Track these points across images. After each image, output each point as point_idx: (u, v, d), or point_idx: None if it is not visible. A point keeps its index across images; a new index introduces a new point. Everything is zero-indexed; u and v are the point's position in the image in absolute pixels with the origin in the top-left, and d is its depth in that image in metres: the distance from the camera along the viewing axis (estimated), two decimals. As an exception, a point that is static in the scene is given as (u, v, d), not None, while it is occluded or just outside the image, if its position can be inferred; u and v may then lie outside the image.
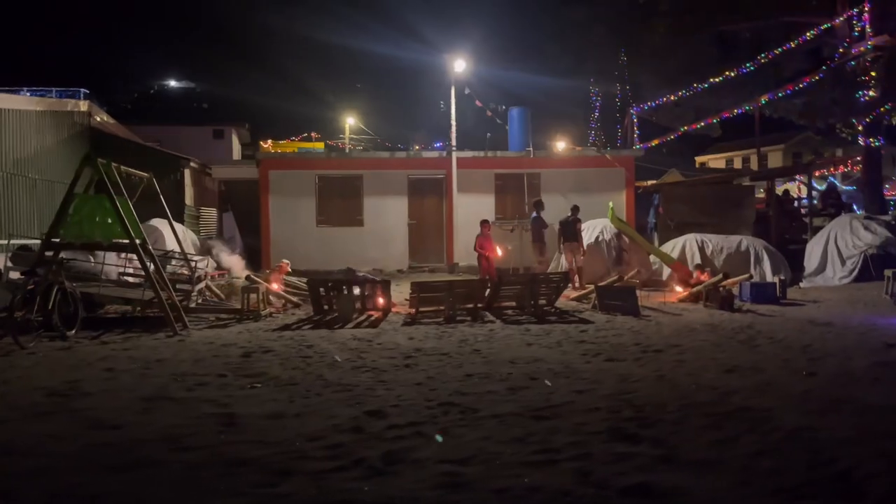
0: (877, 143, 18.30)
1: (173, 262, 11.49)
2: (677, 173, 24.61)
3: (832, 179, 22.26)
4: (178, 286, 10.05)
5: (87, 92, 51.14)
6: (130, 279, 10.86)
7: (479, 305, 11.14)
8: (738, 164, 48.19)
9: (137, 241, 8.61)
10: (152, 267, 8.98)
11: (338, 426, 4.37)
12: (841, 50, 17.69)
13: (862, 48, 17.48)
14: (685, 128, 20.43)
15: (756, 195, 23.15)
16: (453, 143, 18.66)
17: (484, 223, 14.47)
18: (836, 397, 5.14)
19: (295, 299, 11.43)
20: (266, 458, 3.76)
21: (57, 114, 14.65)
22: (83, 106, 15.90)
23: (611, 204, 16.21)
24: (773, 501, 3.21)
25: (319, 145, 19.07)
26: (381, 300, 10.60)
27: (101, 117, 16.77)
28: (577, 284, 14.00)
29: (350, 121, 44.04)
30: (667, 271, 15.23)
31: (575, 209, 14.74)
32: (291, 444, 4.01)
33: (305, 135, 21.11)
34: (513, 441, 4.11)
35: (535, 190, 19.25)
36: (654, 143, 20.50)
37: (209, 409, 4.86)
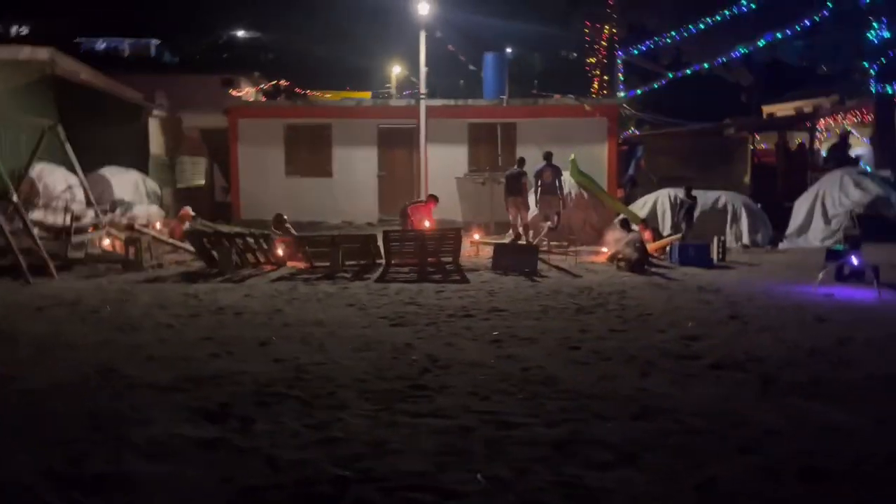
0: (889, 90, 16.43)
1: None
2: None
3: (852, 130, 20.27)
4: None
5: (157, 42, 51.97)
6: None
7: (377, 261, 10.77)
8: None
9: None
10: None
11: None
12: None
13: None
14: (672, 74, 18.94)
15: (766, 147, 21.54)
16: (422, 90, 17.93)
17: (431, 198, 13.61)
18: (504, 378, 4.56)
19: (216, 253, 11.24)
20: None
21: (6, 62, 14.80)
22: (43, 54, 16.01)
23: (572, 156, 15.29)
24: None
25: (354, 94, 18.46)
26: (263, 254, 10.34)
27: (66, 66, 16.88)
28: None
29: (396, 69, 43.02)
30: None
31: (521, 162, 13.93)
32: None
33: (274, 82, 20.76)
34: (85, 416, 3.79)
35: (510, 141, 18.42)
36: (640, 91, 19.12)
37: None
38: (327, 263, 10.36)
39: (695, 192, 14.23)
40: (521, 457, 3.27)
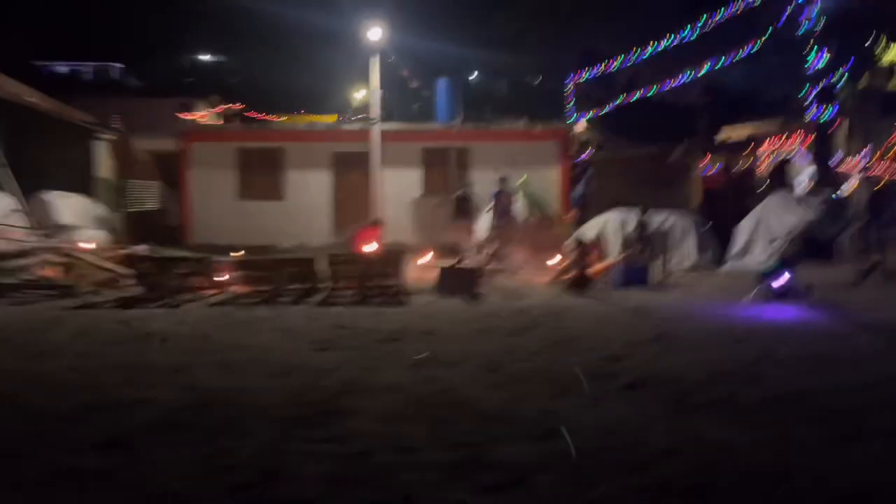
0: (826, 116, 16.97)
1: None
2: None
3: (802, 151, 20.88)
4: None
5: (120, 66, 51.11)
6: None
7: (321, 285, 10.67)
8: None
9: None
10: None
11: None
12: (789, 11, 16.36)
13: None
14: (623, 96, 19.39)
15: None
16: (376, 114, 18.00)
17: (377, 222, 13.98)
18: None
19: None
20: None
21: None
22: (-20, 76, 15.72)
23: (524, 177, 15.51)
24: None
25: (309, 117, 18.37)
26: (202, 279, 10.19)
27: (10, 88, 16.57)
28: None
29: (361, 93, 42.94)
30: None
31: (466, 185, 14.07)
32: None
33: (227, 106, 20.69)
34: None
35: (464, 164, 18.56)
36: (591, 113, 19.51)
37: None
38: (267, 287, 10.25)
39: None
40: (410, 481, 3.25)
